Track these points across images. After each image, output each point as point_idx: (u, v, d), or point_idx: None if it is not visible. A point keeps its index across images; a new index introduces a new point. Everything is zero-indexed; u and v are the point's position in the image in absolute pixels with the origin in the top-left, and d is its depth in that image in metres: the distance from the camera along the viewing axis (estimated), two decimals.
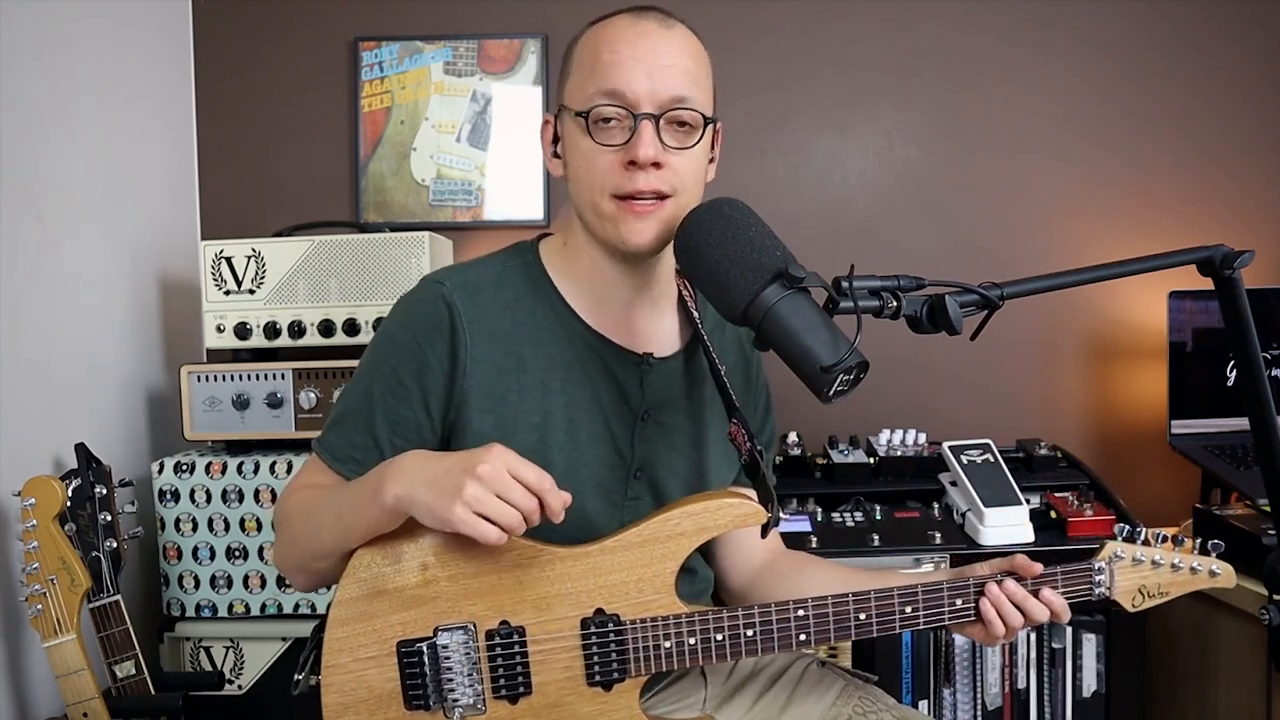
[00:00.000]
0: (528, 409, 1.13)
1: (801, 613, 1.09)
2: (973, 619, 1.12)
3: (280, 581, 1.80)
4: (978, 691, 1.80)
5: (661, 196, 1.08)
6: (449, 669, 1.06)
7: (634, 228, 1.08)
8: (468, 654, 1.06)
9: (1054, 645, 1.79)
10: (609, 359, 1.17)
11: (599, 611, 1.07)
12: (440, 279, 1.15)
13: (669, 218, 1.09)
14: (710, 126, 1.12)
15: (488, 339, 1.13)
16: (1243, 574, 1.62)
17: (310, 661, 1.13)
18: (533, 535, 1.05)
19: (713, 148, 1.17)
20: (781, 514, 1.17)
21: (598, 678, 1.07)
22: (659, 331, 1.21)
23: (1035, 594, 1.11)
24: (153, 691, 1.54)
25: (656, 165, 1.06)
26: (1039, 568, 1.12)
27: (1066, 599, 1.12)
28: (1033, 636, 1.79)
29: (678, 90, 1.07)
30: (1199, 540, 1.17)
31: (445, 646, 1.06)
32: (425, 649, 1.06)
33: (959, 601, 1.11)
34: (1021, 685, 1.80)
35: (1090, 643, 1.77)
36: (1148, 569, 1.15)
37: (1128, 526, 1.16)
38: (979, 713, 1.80)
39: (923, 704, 1.79)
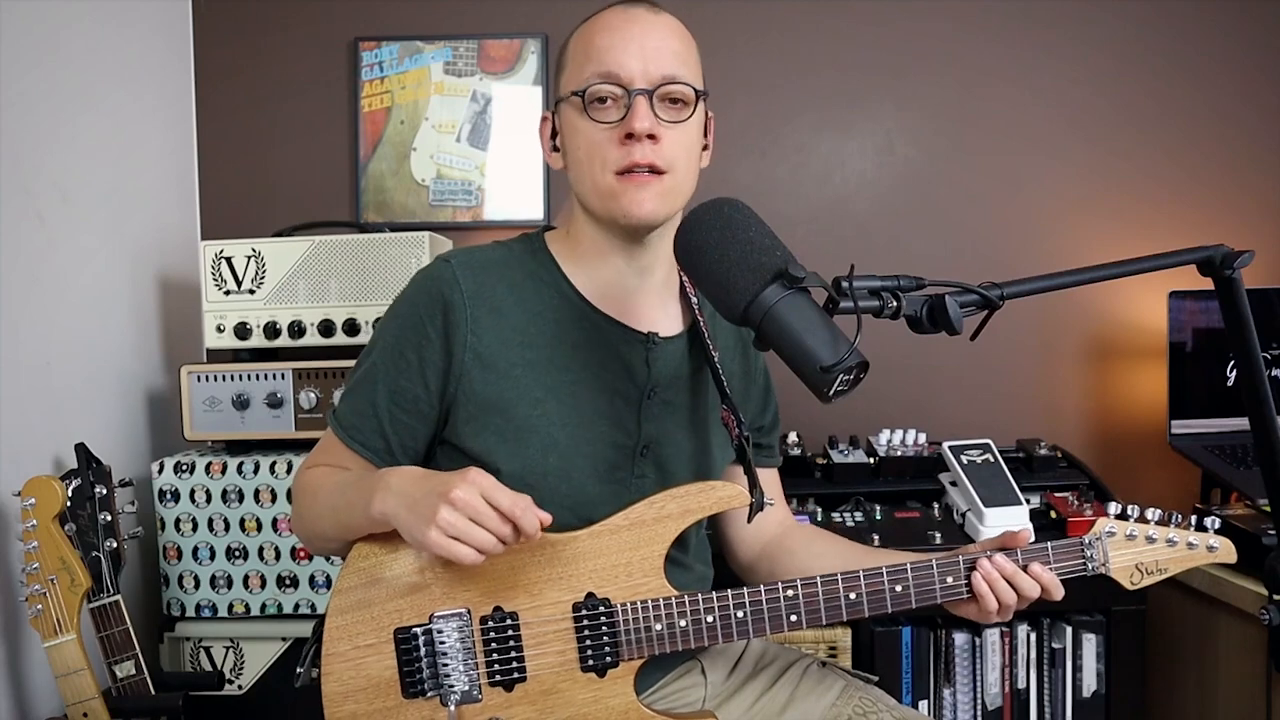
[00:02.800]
0: (531, 384, 1.15)
1: (791, 593, 1.10)
2: (966, 597, 1.12)
3: (280, 581, 1.80)
4: (978, 691, 1.80)
5: (657, 171, 1.11)
6: (445, 655, 1.07)
7: (634, 198, 1.10)
8: (463, 640, 1.07)
9: (1054, 645, 1.79)
10: (614, 337, 1.19)
11: (590, 596, 1.08)
12: (448, 257, 1.19)
13: (666, 191, 1.12)
14: (702, 101, 1.15)
15: (490, 314, 1.15)
16: (1243, 574, 1.63)
17: (312, 654, 1.14)
18: None
19: (706, 134, 1.20)
20: (769, 501, 1.18)
21: (591, 662, 1.08)
22: (662, 315, 1.23)
23: (1024, 569, 1.11)
24: (153, 691, 1.54)
25: (652, 138, 1.09)
26: (1025, 537, 1.13)
27: (1059, 575, 1.12)
28: (1032, 636, 1.79)
29: (669, 69, 1.11)
30: (1194, 517, 1.16)
31: (441, 632, 1.07)
32: (421, 635, 1.07)
33: (950, 579, 1.12)
34: (1021, 685, 1.80)
35: (1090, 643, 1.77)
36: (1142, 545, 1.14)
37: (1119, 504, 1.15)
38: (979, 713, 1.80)
39: (923, 704, 1.79)
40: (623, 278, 1.19)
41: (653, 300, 1.22)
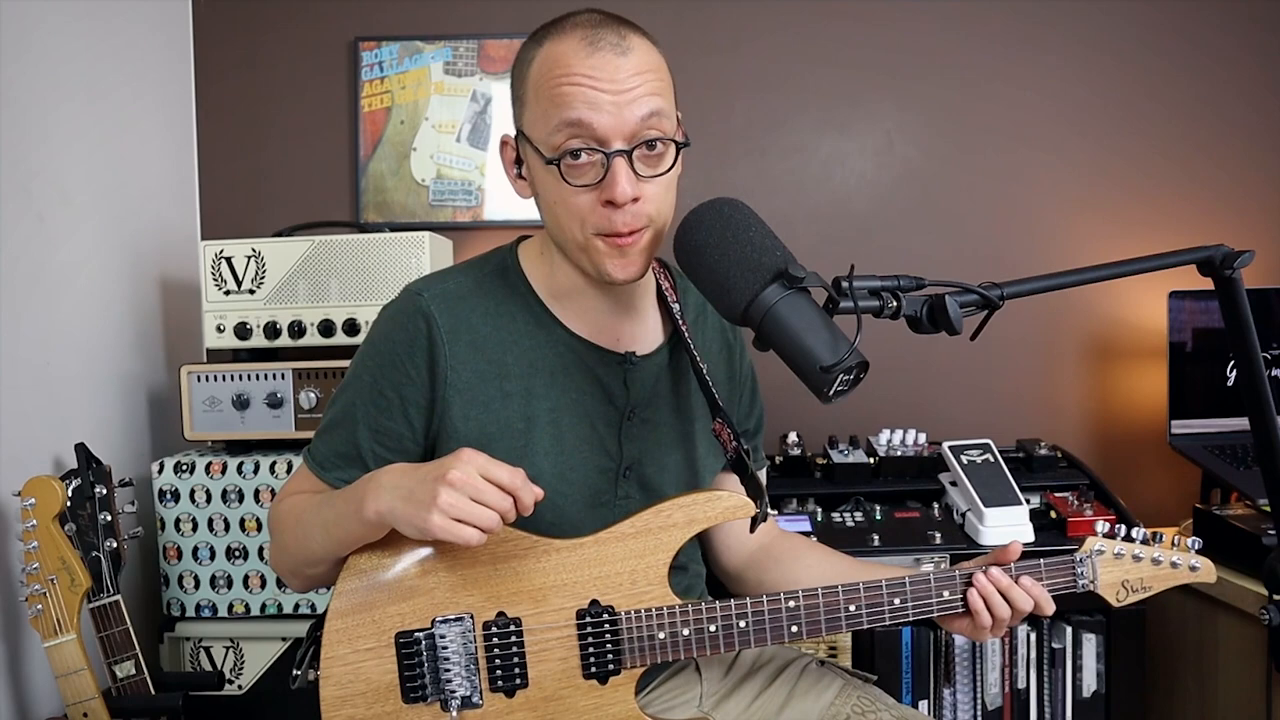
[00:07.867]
0: (511, 415, 1.14)
1: (793, 604, 1.11)
2: (960, 611, 1.13)
3: (280, 581, 1.80)
4: (978, 691, 1.80)
5: (640, 229, 1.07)
6: (447, 661, 1.06)
7: (618, 263, 1.08)
8: (465, 645, 1.07)
9: (1054, 645, 1.79)
10: (591, 361, 1.17)
11: (594, 603, 1.08)
12: (419, 290, 1.16)
13: (648, 245, 1.09)
14: (679, 151, 1.09)
15: (468, 348, 1.13)
16: (1243, 574, 1.64)
17: (308, 656, 1.13)
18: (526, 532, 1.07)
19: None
20: (770, 510, 1.17)
21: (593, 670, 1.08)
22: (640, 330, 1.21)
23: (1016, 580, 1.12)
24: (153, 691, 1.54)
25: (634, 200, 1.05)
26: (1016, 550, 1.14)
27: (1050, 590, 1.13)
28: (1032, 636, 1.79)
29: (645, 109, 1.04)
30: (1175, 537, 1.18)
31: (443, 637, 1.07)
32: (423, 640, 1.06)
33: (946, 593, 1.13)
34: (1021, 685, 1.80)
35: (1090, 643, 1.77)
36: (1129, 563, 1.16)
37: (1107, 523, 1.17)
38: (979, 713, 1.80)
39: (923, 704, 1.79)
40: (599, 303, 1.17)
41: (630, 314, 1.20)
